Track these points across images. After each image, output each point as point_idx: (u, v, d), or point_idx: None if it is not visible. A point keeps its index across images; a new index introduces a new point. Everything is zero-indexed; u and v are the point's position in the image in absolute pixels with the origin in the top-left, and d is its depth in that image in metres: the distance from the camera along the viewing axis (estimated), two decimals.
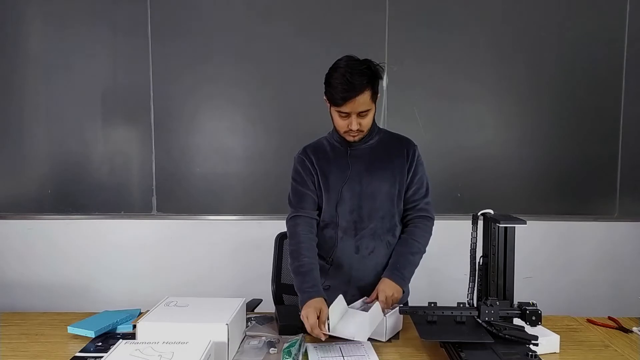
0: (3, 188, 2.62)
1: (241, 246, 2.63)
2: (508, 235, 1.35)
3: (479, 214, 1.43)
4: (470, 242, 1.41)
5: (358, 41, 2.50)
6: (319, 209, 1.65)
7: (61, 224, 2.63)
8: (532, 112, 2.60)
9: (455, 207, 2.55)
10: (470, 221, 1.41)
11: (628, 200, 2.61)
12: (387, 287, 1.52)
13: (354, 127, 1.52)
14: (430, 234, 1.67)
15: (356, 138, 1.59)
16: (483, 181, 2.60)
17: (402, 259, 1.59)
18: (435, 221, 1.70)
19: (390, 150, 1.65)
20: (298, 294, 1.50)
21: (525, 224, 1.33)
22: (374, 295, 1.53)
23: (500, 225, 1.34)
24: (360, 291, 1.62)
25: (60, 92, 2.57)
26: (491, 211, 1.42)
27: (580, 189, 2.62)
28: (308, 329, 1.38)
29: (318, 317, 1.38)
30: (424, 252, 1.64)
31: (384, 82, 2.50)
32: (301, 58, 2.55)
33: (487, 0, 2.54)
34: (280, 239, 2.04)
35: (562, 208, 2.63)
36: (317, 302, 1.42)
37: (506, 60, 2.57)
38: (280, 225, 2.11)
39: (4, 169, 2.61)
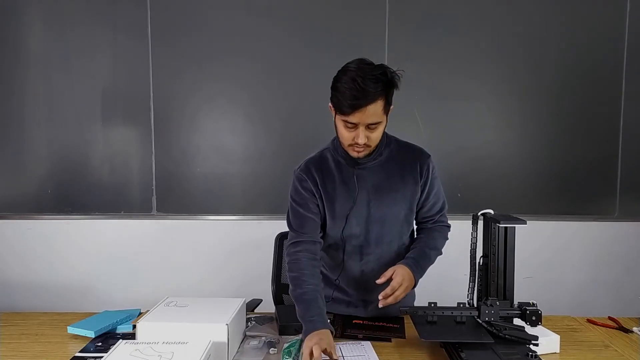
0: (3, 188, 2.62)
1: (241, 246, 2.63)
2: (508, 235, 1.35)
3: (479, 214, 1.42)
4: (470, 242, 1.41)
5: (358, 41, 2.50)
6: (323, 227, 1.55)
7: (61, 224, 2.63)
8: (532, 112, 2.60)
9: (455, 207, 2.53)
10: (470, 221, 1.41)
11: (628, 200, 2.61)
12: (405, 273, 1.42)
13: (361, 140, 1.35)
14: (447, 239, 1.63)
15: (361, 154, 1.43)
16: (483, 181, 2.60)
17: (420, 253, 1.53)
18: None
19: (402, 167, 1.52)
20: (301, 323, 1.36)
21: (526, 224, 1.33)
22: (388, 273, 1.42)
23: (501, 225, 1.34)
24: (363, 304, 1.61)
25: (61, 92, 2.57)
26: (491, 211, 1.41)
27: (580, 189, 2.61)
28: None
29: (324, 351, 1.25)
30: (441, 253, 1.60)
31: None
32: (301, 58, 2.55)
33: (487, 0, 2.54)
34: (280, 239, 2.04)
35: (562, 208, 2.63)
36: (323, 334, 1.29)
37: (506, 61, 2.57)
38: (280, 225, 2.10)
39: (4, 169, 2.61)
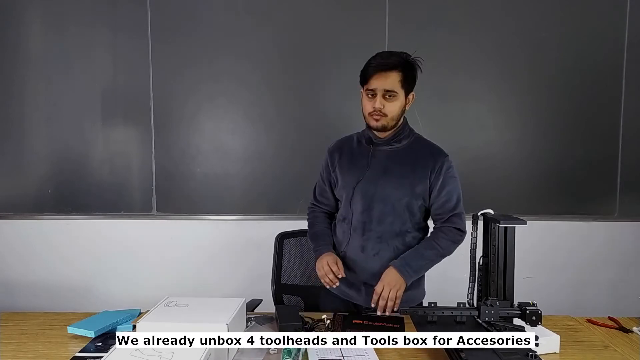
0: (3, 188, 2.62)
1: (241, 246, 2.63)
2: (508, 235, 1.35)
3: (479, 214, 1.43)
4: (470, 242, 1.41)
5: (358, 41, 2.50)
6: (338, 201, 1.74)
7: (61, 224, 2.63)
8: (532, 112, 2.60)
9: None
10: (471, 221, 1.41)
11: (628, 200, 2.61)
12: (390, 279, 1.52)
13: (377, 105, 1.52)
14: (455, 242, 1.61)
15: (379, 123, 1.56)
16: (483, 181, 2.59)
17: (414, 252, 1.59)
18: None
19: (416, 159, 1.60)
20: (315, 256, 1.65)
21: (525, 224, 1.33)
22: (378, 289, 1.52)
23: (500, 225, 1.34)
24: (365, 287, 1.64)
25: (61, 92, 2.57)
26: (491, 211, 1.42)
27: (580, 189, 2.62)
28: (321, 276, 1.57)
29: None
30: (443, 253, 1.59)
31: None
32: (300, 58, 2.55)
33: (488, 0, 2.54)
34: (280, 239, 2.04)
35: (562, 208, 2.63)
36: (328, 255, 1.60)
37: (506, 61, 2.57)
38: (280, 225, 2.12)
39: (4, 169, 2.61)
